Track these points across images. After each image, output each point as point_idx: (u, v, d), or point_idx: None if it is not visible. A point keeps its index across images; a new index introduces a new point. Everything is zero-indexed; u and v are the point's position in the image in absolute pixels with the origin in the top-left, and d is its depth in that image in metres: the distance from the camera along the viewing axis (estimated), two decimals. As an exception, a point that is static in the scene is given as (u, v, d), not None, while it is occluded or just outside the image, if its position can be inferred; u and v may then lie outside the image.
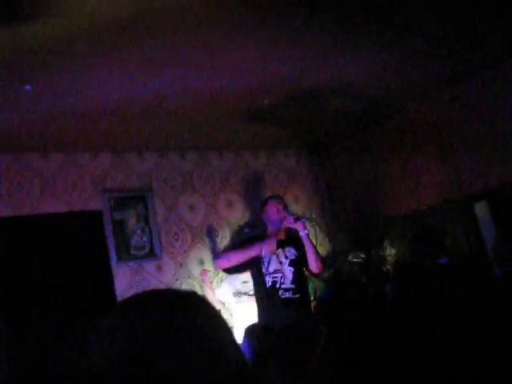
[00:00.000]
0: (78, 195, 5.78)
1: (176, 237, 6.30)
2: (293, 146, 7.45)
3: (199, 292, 6.02)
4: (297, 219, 4.44)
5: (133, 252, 5.94)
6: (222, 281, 6.05)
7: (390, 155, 6.74)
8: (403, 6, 4.00)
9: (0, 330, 4.63)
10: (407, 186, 6.54)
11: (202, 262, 6.35)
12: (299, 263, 4.53)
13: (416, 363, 1.49)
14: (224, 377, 0.95)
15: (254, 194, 7.02)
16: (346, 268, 6.75)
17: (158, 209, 6.25)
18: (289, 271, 4.47)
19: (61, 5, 3.18)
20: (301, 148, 7.58)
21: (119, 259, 5.82)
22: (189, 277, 6.21)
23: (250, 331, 3.04)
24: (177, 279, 6.14)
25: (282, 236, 4.33)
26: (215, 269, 5.29)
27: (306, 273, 4.72)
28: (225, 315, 5.77)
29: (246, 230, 6.55)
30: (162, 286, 5.99)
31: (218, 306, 5.88)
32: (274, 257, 4.50)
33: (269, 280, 4.46)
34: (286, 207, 4.62)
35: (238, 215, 6.82)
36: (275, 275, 4.46)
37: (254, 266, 4.52)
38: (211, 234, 6.42)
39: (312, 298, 5.99)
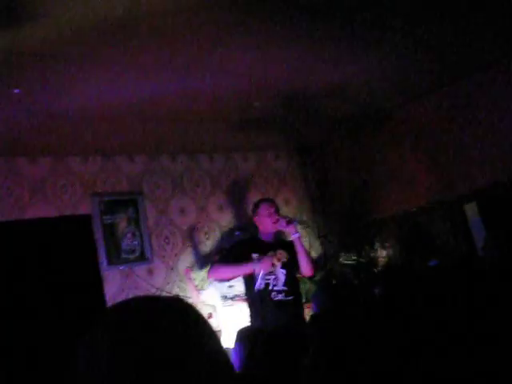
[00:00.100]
0: (68, 199, 5.75)
1: (167, 240, 6.29)
2: (283, 148, 7.45)
3: (185, 295, 6.02)
4: (289, 222, 4.44)
5: (123, 256, 5.92)
6: (208, 284, 6.03)
7: (380, 157, 6.75)
8: (393, 10, 4.01)
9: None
10: (397, 187, 6.56)
11: (193, 266, 6.34)
12: (291, 265, 4.52)
13: (407, 366, 1.49)
14: (211, 382, 0.95)
15: (245, 197, 7.02)
16: (337, 270, 6.76)
17: (149, 212, 6.23)
18: (281, 273, 4.47)
19: (49, 8, 3.16)
20: (291, 150, 7.59)
21: (110, 263, 5.79)
22: (180, 280, 6.20)
23: (243, 334, 3.02)
24: (168, 283, 6.13)
25: (276, 262, 4.32)
26: (208, 278, 5.27)
27: (298, 275, 4.71)
28: (213, 319, 5.78)
29: (237, 233, 6.54)
30: (153, 290, 5.98)
31: (202, 308, 5.88)
32: (267, 259, 4.51)
33: (261, 282, 4.45)
34: (277, 210, 4.61)
35: (228, 218, 6.81)
36: (268, 277, 4.46)
37: None
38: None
39: (304, 301, 6.00)
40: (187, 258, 6.34)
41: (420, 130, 6.30)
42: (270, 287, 4.45)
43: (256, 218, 4.61)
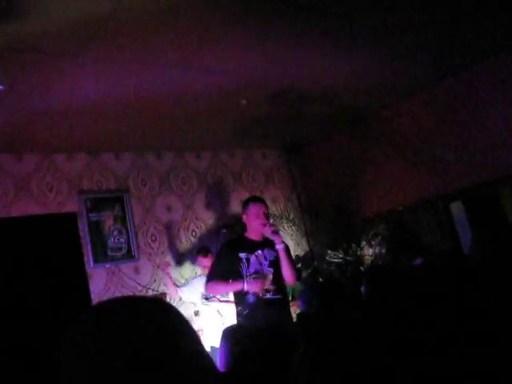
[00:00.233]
0: (54, 197, 5.71)
1: (153, 238, 6.27)
2: (270, 146, 7.46)
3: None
4: (274, 232, 4.43)
5: (110, 253, 5.90)
6: (191, 278, 6.02)
7: (367, 156, 6.77)
8: (382, 11, 4.03)
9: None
10: (384, 186, 6.59)
11: (179, 263, 6.34)
12: (278, 265, 4.52)
13: (396, 364, 1.50)
14: (192, 382, 0.94)
15: (232, 195, 7.01)
16: (324, 268, 6.78)
17: (135, 210, 6.21)
18: (269, 272, 4.46)
19: (34, 5, 3.14)
20: (278, 148, 7.59)
21: (96, 261, 5.77)
22: (171, 275, 6.18)
23: (229, 333, 3.02)
24: (154, 280, 6.11)
25: (263, 292, 4.33)
26: (206, 293, 5.26)
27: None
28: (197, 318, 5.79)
29: (223, 231, 6.53)
30: (140, 288, 5.96)
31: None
32: (254, 257, 4.49)
33: (251, 296, 4.45)
34: (267, 213, 4.59)
35: (215, 215, 6.81)
36: (256, 276, 4.45)
37: (234, 268, 4.51)
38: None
39: (290, 298, 6.00)
40: (167, 254, 6.33)
41: (407, 129, 6.32)
42: None
43: (245, 217, 4.59)
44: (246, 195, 6.62)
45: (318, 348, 1.49)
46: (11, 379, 4.82)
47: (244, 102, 5.43)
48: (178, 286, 5.90)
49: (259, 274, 4.46)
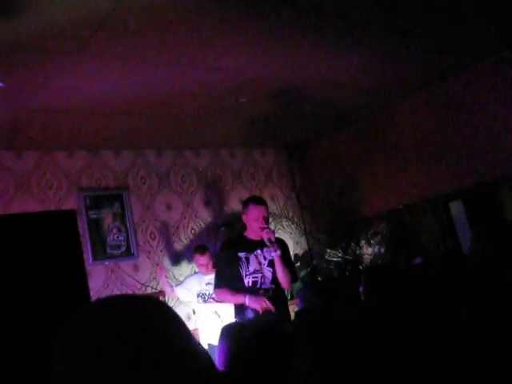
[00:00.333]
0: (53, 194, 5.71)
1: (153, 236, 6.27)
2: (270, 145, 7.46)
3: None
4: (269, 241, 4.42)
5: (109, 251, 5.90)
6: (186, 277, 6.02)
7: (367, 155, 6.77)
8: (382, 9, 4.02)
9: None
10: (384, 185, 6.59)
11: (178, 261, 6.34)
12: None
13: (394, 364, 1.50)
14: (183, 378, 0.95)
15: (231, 193, 7.02)
16: (323, 266, 6.78)
17: (135, 208, 6.21)
18: (268, 271, 4.46)
19: (34, 2, 3.14)
20: (278, 147, 7.60)
21: (95, 258, 5.77)
22: (165, 276, 6.18)
23: (228, 331, 3.02)
24: (153, 278, 6.11)
25: (261, 310, 4.32)
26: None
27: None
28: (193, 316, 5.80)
29: (223, 229, 6.53)
30: (139, 286, 5.96)
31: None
32: (254, 257, 4.49)
33: (248, 281, 4.45)
34: (266, 217, 4.58)
35: (214, 214, 6.81)
36: (255, 275, 4.45)
37: (234, 267, 4.51)
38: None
39: (288, 297, 6.01)
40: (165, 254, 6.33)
41: (407, 128, 6.33)
42: (258, 285, 4.45)
43: (244, 217, 4.59)
44: (245, 193, 6.63)
45: (318, 347, 1.49)
46: (9, 376, 4.82)
47: (244, 100, 5.43)
48: (173, 286, 5.89)
49: (258, 274, 4.46)
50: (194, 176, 6.82)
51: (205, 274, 5.66)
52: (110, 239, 5.93)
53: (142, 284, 6.01)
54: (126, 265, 5.99)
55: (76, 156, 5.97)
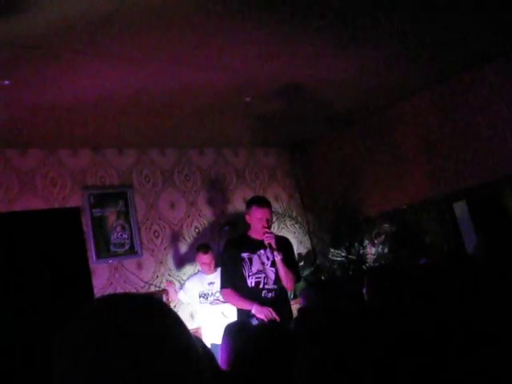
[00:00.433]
0: (58, 192, 5.72)
1: (156, 234, 6.28)
2: (274, 144, 7.46)
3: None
4: (271, 247, 4.42)
5: (112, 249, 5.91)
6: (189, 276, 6.04)
7: (370, 155, 6.77)
8: (385, 9, 4.02)
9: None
10: (387, 185, 6.58)
11: (181, 260, 6.35)
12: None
13: (397, 363, 1.50)
14: (183, 379, 0.95)
15: (235, 192, 7.02)
16: (326, 266, 6.78)
17: (139, 206, 6.22)
18: (271, 272, 4.46)
19: (40, 1, 3.14)
20: (282, 146, 7.60)
21: (99, 256, 5.78)
22: (169, 274, 6.20)
23: (232, 329, 3.03)
24: (157, 276, 6.12)
25: (266, 319, 4.32)
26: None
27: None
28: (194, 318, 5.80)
29: (226, 229, 6.54)
30: (142, 283, 5.98)
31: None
32: (257, 257, 4.50)
33: (252, 281, 4.45)
34: (270, 219, 4.57)
35: (218, 213, 6.81)
36: (258, 276, 4.46)
37: (237, 267, 4.51)
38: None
39: (292, 297, 6.01)
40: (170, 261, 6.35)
41: (411, 128, 6.32)
42: (261, 285, 4.45)
43: (248, 217, 4.59)
44: (249, 193, 6.63)
45: (321, 347, 1.50)
46: (13, 374, 4.83)
47: (248, 99, 5.43)
48: (178, 290, 5.92)
49: (261, 274, 4.47)
50: (198, 175, 6.82)
51: (207, 273, 5.67)
52: (113, 237, 5.94)
53: (146, 282, 6.02)
54: (129, 263, 6.00)
55: (80, 154, 5.98)
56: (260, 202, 4.61)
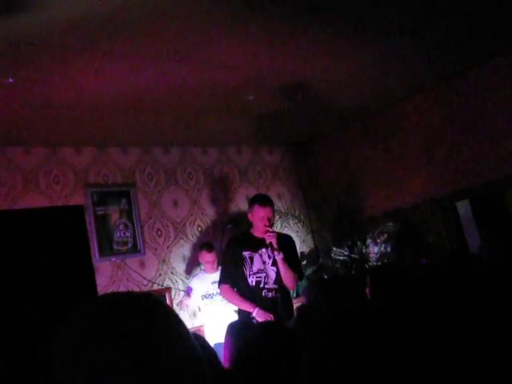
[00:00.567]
0: (61, 190, 5.73)
1: (159, 232, 6.29)
2: (277, 143, 7.46)
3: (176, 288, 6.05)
4: (272, 247, 4.41)
5: (115, 247, 5.92)
6: (192, 277, 6.06)
7: (373, 154, 6.77)
8: (389, 8, 4.02)
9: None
10: (390, 184, 6.58)
11: (184, 258, 6.35)
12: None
13: (398, 363, 1.50)
14: (183, 377, 0.95)
15: (238, 191, 7.02)
16: (329, 265, 6.78)
17: (142, 204, 6.23)
18: (272, 271, 4.46)
19: (45, -2, 3.16)
20: (285, 145, 7.59)
21: (101, 254, 5.79)
22: (171, 272, 6.20)
23: (234, 328, 3.03)
24: (159, 275, 6.13)
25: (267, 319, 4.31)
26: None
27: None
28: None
29: (229, 227, 6.54)
30: (145, 282, 5.98)
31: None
32: (258, 256, 4.50)
33: (252, 280, 4.45)
34: (271, 218, 4.56)
35: (221, 211, 6.82)
36: (259, 275, 4.46)
37: (238, 266, 4.51)
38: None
39: (294, 295, 6.00)
40: (179, 251, 6.34)
41: (415, 127, 6.31)
42: (262, 285, 4.45)
43: (250, 215, 4.59)
44: (252, 191, 6.63)
45: (323, 347, 1.50)
46: (16, 372, 4.84)
47: (251, 98, 5.43)
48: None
49: (262, 273, 4.47)
50: (201, 173, 6.82)
51: (210, 272, 5.67)
52: (116, 235, 5.95)
53: (148, 280, 6.03)
54: (132, 261, 6.00)
55: (83, 152, 5.99)
56: (262, 200, 4.59)
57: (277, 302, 4.38)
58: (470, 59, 5.43)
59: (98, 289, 5.64)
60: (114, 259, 5.87)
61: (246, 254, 4.49)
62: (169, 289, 6.08)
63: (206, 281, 5.67)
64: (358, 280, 4.87)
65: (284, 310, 4.34)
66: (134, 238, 6.06)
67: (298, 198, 7.58)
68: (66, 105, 4.79)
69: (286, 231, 6.61)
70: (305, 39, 4.35)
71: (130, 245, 6.02)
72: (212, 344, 5.16)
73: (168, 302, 6.01)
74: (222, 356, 3.08)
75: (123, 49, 4.00)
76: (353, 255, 6.44)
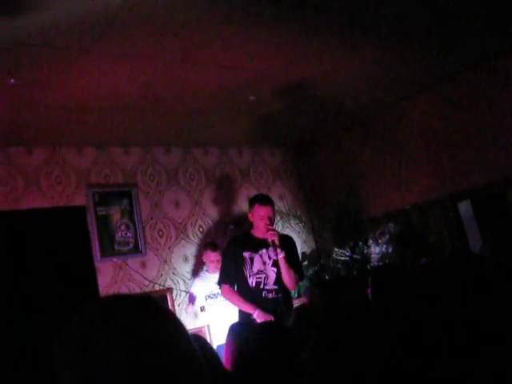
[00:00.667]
0: (62, 190, 5.73)
1: (160, 233, 6.28)
2: (278, 143, 7.45)
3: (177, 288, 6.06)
4: (274, 244, 4.40)
5: (117, 248, 5.92)
6: (195, 278, 6.08)
7: (374, 154, 6.76)
8: (390, 9, 4.02)
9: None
10: (391, 185, 6.57)
11: (186, 259, 6.35)
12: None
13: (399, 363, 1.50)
14: (183, 379, 0.95)
15: (239, 191, 7.02)
16: (330, 265, 6.78)
17: (143, 205, 6.23)
18: (272, 272, 4.46)
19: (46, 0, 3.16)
20: (286, 146, 7.59)
21: (103, 255, 5.78)
22: (173, 273, 6.20)
23: (235, 329, 3.04)
24: (161, 275, 6.13)
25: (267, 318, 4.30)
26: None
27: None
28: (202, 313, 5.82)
29: (231, 227, 6.54)
30: (146, 283, 5.98)
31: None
32: (258, 257, 4.50)
33: (252, 281, 4.46)
34: (272, 217, 4.56)
35: (222, 212, 6.82)
36: (259, 276, 4.46)
37: (238, 267, 4.51)
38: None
39: (296, 296, 6.01)
40: (180, 252, 6.34)
41: (416, 127, 6.31)
42: (261, 286, 4.45)
43: (250, 216, 4.59)
44: (253, 192, 6.62)
45: (325, 347, 1.50)
46: (19, 373, 4.85)
47: (253, 98, 5.43)
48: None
49: (262, 274, 4.47)
50: (203, 174, 6.82)
51: (213, 272, 5.67)
52: (118, 236, 5.95)
53: (150, 281, 6.02)
54: (133, 262, 6.00)
55: (85, 153, 5.99)
56: (262, 199, 4.60)
57: (278, 302, 4.38)
58: (471, 59, 5.43)
59: (100, 289, 5.64)
60: (115, 260, 5.87)
61: (246, 254, 4.49)
62: (170, 289, 6.08)
63: (210, 281, 5.68)
64: (360, 281, 4.87)
65: (284, 311, 4.34)
66: (136, 238, 6.06)
67: (300, 198, 7.58)
68: (67, 105, 4.79)
69: (287, 232, 6.60)
70: (305, 39, 4.36)
71: (131, 245, 6.02)
72: (216, 345, 5.17)
73: (169, 302, 6.02)
74: (224, 357, 3.08)
75: (124, 49, 4.00)
76: (354, 256, 6.44)
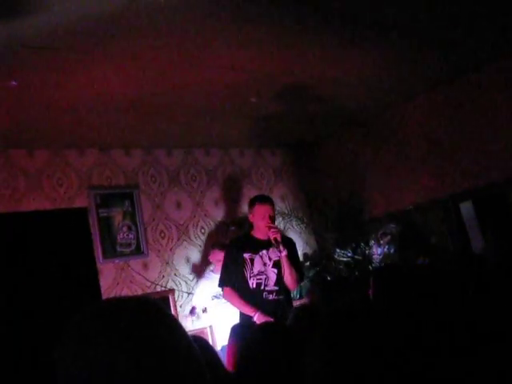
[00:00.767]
0: (64, 192, 5.74)
1: (162, 234, 6.29)
2: (279, 144, 7.45)
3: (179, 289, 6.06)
4: (276, 241, 4.40)
5: (119, 249, 5.93)
6: (198, 280, 6.09)
7: (376, 155, 6.76)
8: (392, 10, 4.02)
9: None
10: (393, 185, 6.57)
11: (188, 260, 6.35)
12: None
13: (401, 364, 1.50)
14: (182, 379, 0.96)
15: (241, 192, 7.02)
16: (332, 266, 6.77)
17: (145, 206, 6.23)
18: (272, 273, 4.46)
19: (48, 1, 3.16)
20: (287, 147, 7.59)
21: (105, 256, 5.79)
22: (175, 274, 6.21)
23: (237, 330, 3.04)
24: (163, 276, 6.13)
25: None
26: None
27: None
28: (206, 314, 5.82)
29: (232, 228, 6.55)
30: (148, 284, 5.99)
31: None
32: (259, 258, 4.50)
33: (253, 282, 4.46)
34: (273, 215, 4.56)
35: (224, 213, 6.82)
36: (259, 277, 4.46)
37: (238, 268, 4.52)
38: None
39: (297, 297, 6.01)
40: (182, 253, 6.35)
41: (417, 128, 6.31)
42: (262, 287, 4.46)
43: (251, 216, 4.60)
44: (255, 193, 6.62)
45: (326, 347, 1.50)
46: (20, 374, 4.85)
47: (254, 100, 5.43)
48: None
49: (263, 275, 4.47)
50: (204, 175, 6.83)
51: (218, 272, 5.68)
52: (120, 237, 5.96)
53: (152, 282, 6.03)
54: (135, 263, 6.01)
55: (87, 154, 6.00)
56: (262, 199, 4.62)
57: (278, 304, 4.39)
58: (472, 59, 5.43)
59: (102, 291, 5.65)
60: (117, 261, 5.88)
61: (246, 255, 4.50)
62: (172, 291, 6.08)
63: (216, 281, 5.67)
64: (361, 281, 4.87)
65: (285, 312, 4.34)
66: (138, 239, 6.07)
67: (301, 199, 7.58)
68: (68, 107, 4.80)
69: (289, 233, 6.61)
70: (306, 40, 4.36)
71: (133, 247, 6.03)
72: (220, 346, 5.17)
73: (171, 303, 6.02)
74: (226, 358, 3.09)
75: (126, 51, 4.01)
76: (356, 256, 6.43)
